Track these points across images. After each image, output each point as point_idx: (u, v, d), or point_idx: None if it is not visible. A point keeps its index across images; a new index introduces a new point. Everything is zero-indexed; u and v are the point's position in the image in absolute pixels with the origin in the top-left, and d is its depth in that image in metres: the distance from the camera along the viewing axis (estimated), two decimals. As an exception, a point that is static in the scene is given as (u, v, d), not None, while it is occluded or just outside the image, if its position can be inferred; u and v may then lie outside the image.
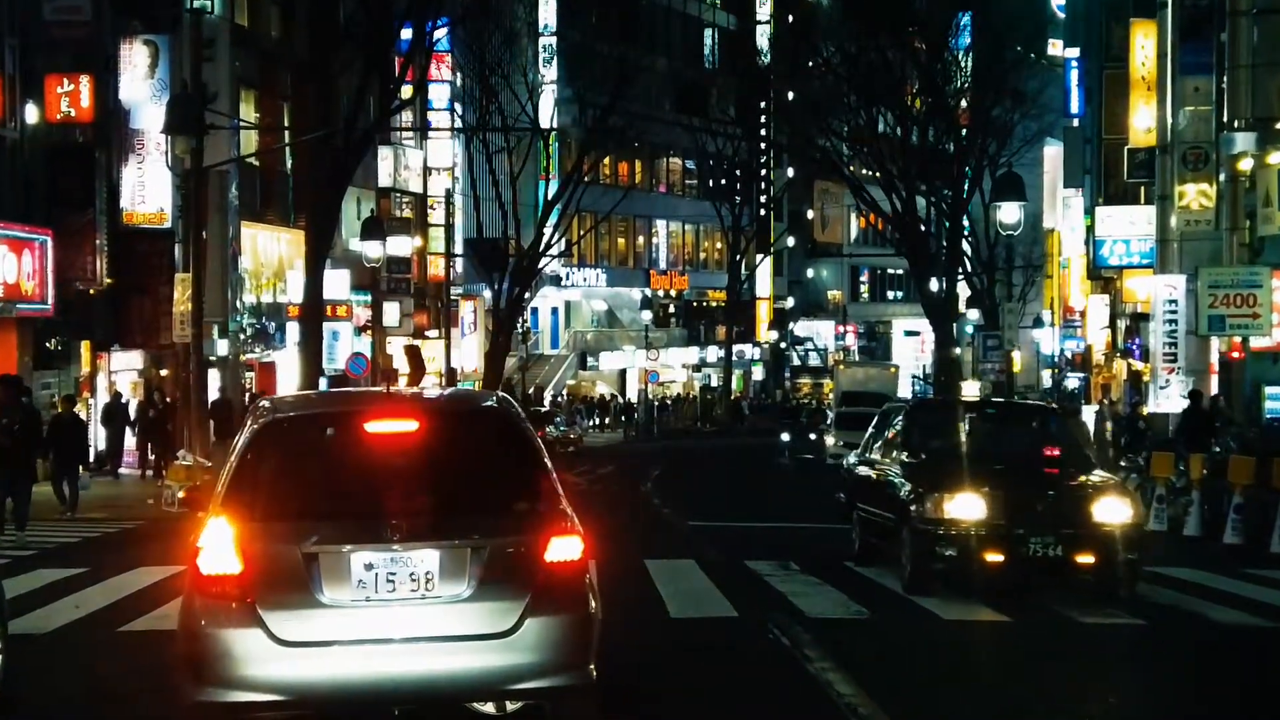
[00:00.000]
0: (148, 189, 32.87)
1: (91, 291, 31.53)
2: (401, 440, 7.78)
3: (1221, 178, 32.61)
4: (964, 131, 48.32)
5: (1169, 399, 34.15)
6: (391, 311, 47.90)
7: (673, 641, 11.62)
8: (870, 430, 16.97)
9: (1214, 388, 33.11)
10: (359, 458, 7.83)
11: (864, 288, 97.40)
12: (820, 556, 16.69)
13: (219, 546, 7.33)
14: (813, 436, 50.60)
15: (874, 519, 15.28)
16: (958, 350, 51.61)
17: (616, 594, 13.30)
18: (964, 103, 49.96)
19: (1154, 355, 36.19)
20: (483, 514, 7.62)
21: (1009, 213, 31.71)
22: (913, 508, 13.67)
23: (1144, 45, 39.05)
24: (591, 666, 7.56)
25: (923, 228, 50.33)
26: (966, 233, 52.54)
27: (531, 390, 61.04)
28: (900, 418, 16.01)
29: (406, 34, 36.86)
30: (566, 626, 7.44)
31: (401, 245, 47.01)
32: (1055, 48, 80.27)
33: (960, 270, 52.10)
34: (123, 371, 34.39)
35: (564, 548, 7.48)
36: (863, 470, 16.39)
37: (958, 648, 11.65)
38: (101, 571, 15.34)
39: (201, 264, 25.03)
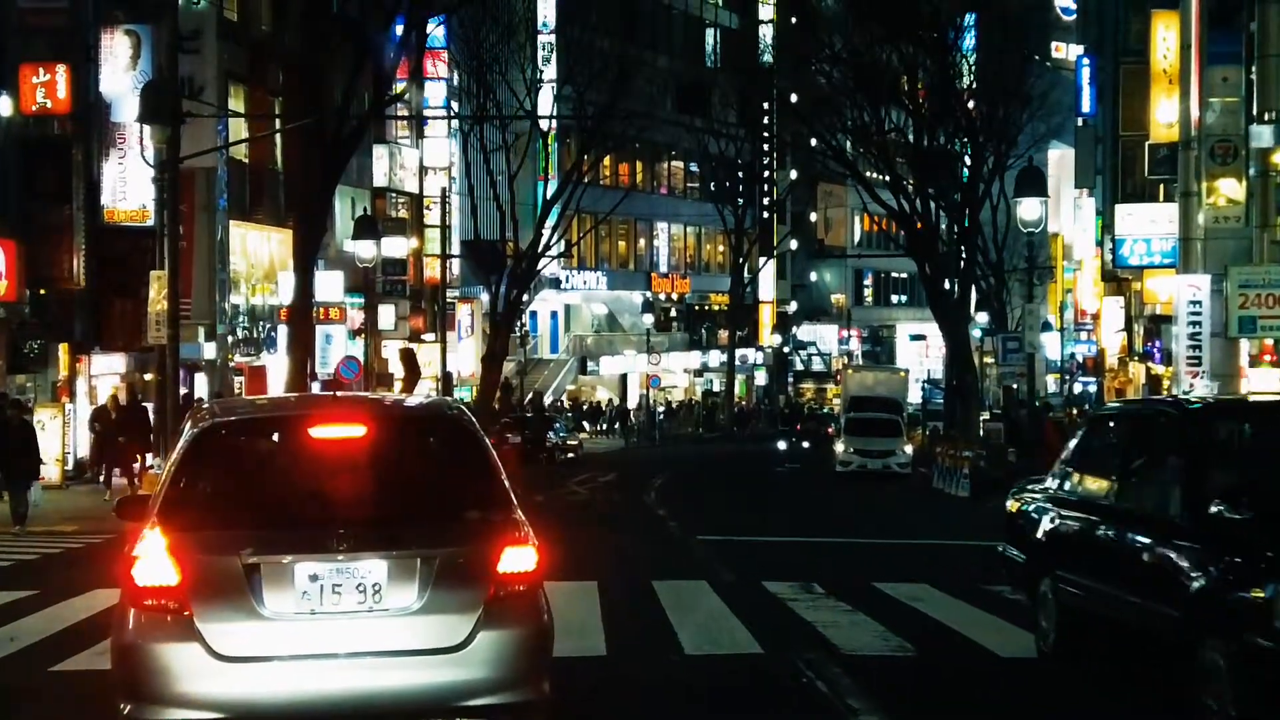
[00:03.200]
0: (129, 185, 31.55)
1: (70, 291, 30.17)
2: (348, 446, 7.45)
3: (1251, 173, 31.26)
4: (974, 131, 46.94)
5: (1193, 404, 32.82)
6: (386, 314, 46.80)
7: (690, 686, 10.03)
8: (1075, 447, 10.86)
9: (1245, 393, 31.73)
10: (303, 464, 7.51)
11: (868, 291, 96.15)
12: (843, 576, 15.28)
13: (155, 556, 6.99)
14: (806, 445, 49.46)
15: (1113, 607, 9.35)
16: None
17: (623, 623, 11.91)
18: (970, 103, 48.66)
19: (1177, 359, 34.91)
20: (433, 522, 7.27)
21: (1030, 208, 30.39)
22: (1248, 613, 7.69)
23: (1165, 37, 37.74)
24: (546, 683, 7.22)
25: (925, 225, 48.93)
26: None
27: (530, 395, 59.76)
28: (1166, 431, 9.48)
29: (401, 28, 35.55)
30: (521, 640, 7.09)
31: (397, 246, 45.96)
32: (1060, 50, 79.30)
33: (975, 273, 50.82)
34: (104, 375, 33.01)
35: (518, 558, 7.15)
36: (1073, 517, 10.06)
37: (1024, 694, 9.98)
38: (51, 595, 13.85)
39: (177, 260, 23.61)
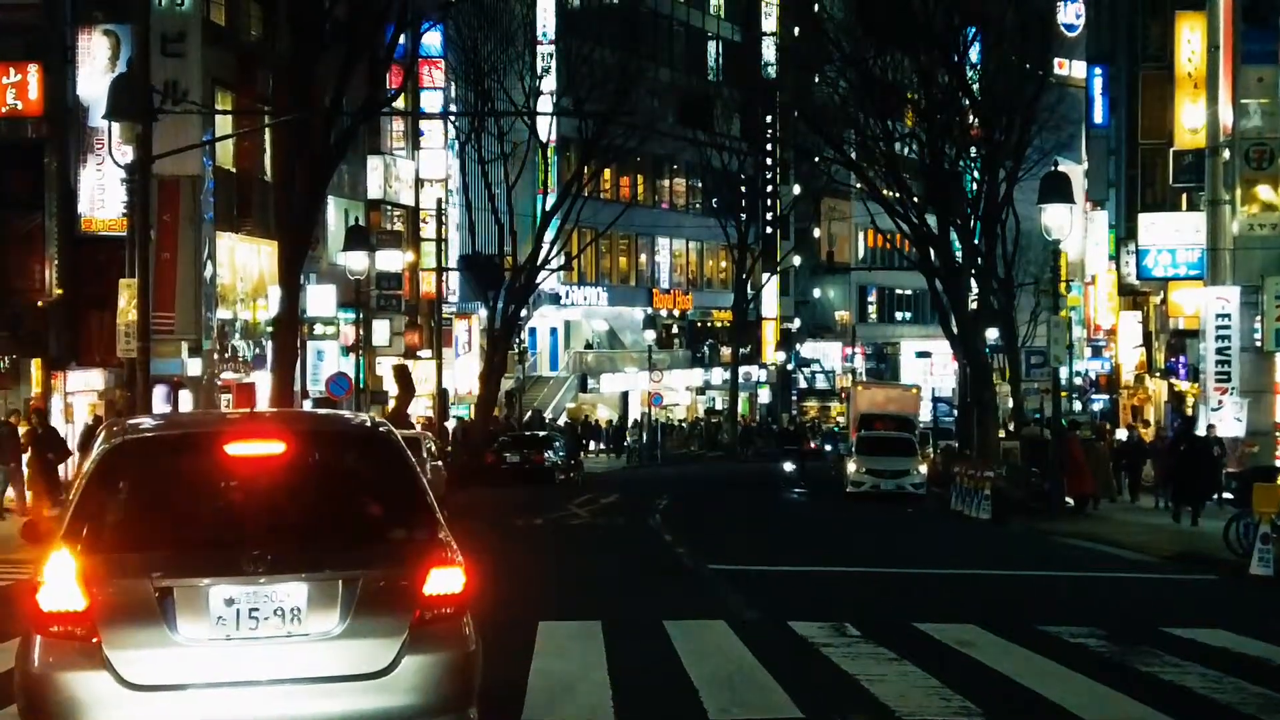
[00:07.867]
0: (108, 192, 30.13)
1: (41, 304, 28.64)
2: (266, 463, 7.11)
3: (1288, 178, 29.84)
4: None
5: (1221, 421, 31.52)
6: (381, 330, 45.45)
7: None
8: None
9: (1279, 410, 30.29)
10: (219, 482, 7.19)
11: (872, 308, 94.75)
12: (877, 615, 13.69)
13: (61, 581, 6.67)
14: (790, 466, 47.91)
15: None
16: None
17: (634, 677, 10.07)
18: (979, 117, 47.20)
19: (1204, 375, 33.49)
20: (356, 543, 7.04)
21: (1055, 215, 28.94)
22: None
23: (1190, 40, 36.37)
24: (473, 709, 7.03)
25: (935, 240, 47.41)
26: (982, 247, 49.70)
27: (530, 413, 58.32)
28: None
29: (392, 32, 34.15)
30: (447, 665, 6.86)
31: (391, 260, 44.60)
32: (1063, 67, 78.06)
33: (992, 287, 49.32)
34: (81, 392, 31.46)
35: (444, 579, 6.90)
36: None
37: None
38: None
39: (148, 267, 22.03)
